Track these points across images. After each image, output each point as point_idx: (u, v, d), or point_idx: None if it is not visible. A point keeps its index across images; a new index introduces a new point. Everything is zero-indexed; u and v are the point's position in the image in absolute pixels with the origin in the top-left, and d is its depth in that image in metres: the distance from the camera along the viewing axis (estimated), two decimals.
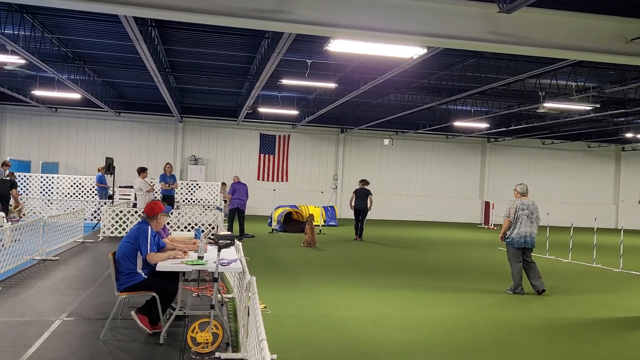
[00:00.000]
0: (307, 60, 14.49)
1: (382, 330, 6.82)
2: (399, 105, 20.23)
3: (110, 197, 18.44)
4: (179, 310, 6.26)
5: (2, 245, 9.22)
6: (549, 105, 16.83)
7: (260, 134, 26.90)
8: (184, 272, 6.37)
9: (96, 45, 14.93)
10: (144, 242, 6.05)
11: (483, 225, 26.85)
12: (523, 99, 17.87)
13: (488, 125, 23.08)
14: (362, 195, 17.03)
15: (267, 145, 27.04)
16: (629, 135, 24.36)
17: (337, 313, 7.66)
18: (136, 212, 14.44)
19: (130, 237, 6.19)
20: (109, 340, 5.86)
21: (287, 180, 27.21)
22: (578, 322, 7.79)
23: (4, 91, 19.36)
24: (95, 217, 17.60)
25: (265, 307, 7.26)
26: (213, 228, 14.60)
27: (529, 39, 8.03)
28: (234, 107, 24.73)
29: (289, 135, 27.21)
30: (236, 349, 5.71)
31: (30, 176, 20.38)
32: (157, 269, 5.93)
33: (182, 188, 21.37)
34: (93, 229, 16.05)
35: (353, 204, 17.16)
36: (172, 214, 14.29)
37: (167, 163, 16.77)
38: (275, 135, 27.03)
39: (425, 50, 9.94)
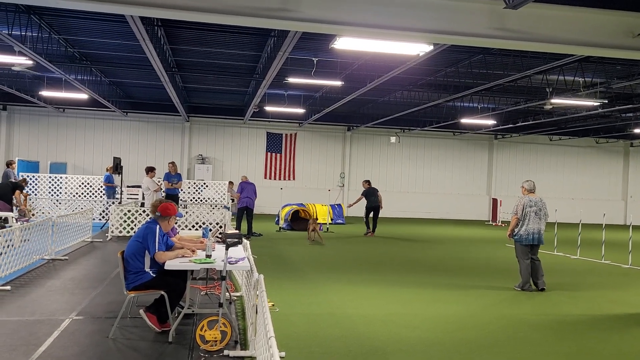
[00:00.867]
0: (313, 59, 14.50)
1: (390, 328, 6.83)
2: (405, 102, 20.19)
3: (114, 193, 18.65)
4: (188, 308, 6.28)
5: (12, 245, 9.29)
6: (556, 101, 16.76)
7: (267, 132, 26.92)
8: (192, 271, 6.40)
9: (103, 46, 15.00)
10: (152, 241, 6.09)
11: (491, 222, 26.72)
12: (530, 95, 17.81)
13: (495, 122, 23.01)
14: (373, 194, 17.76)
15: (274, 143, 27.04)
16: (637, 130, 24.22)
17: (344, 311, 7.67)
18: (144, 211, 14.51)
19: (138, 236, 6.22)
20: (118, 339, 5.90)
21: (294, 179, 27.22)
22: (586, 319, 7.76)
23: (12, 92, 19.46)
24: (103, 217, 17.71)
25: (273, 305, 7.27)
26: (221, 227, 14.66)
27: (535, 34, 7.98)
28: (240, 106, 24.76)
29: (295, 134, 27.22)
30: (245, 346, 5.73)
31: (38, 176, 20.50)
32: (165, 267, 5.96)
33: (189, 187, 21.44)
34: (101, 228, 16.14)
35: (366, 204, 17.87)
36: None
37: (171, 162, 16.64)
38: (282, 134, 27.05)
39: (431, 47, 9.93)
